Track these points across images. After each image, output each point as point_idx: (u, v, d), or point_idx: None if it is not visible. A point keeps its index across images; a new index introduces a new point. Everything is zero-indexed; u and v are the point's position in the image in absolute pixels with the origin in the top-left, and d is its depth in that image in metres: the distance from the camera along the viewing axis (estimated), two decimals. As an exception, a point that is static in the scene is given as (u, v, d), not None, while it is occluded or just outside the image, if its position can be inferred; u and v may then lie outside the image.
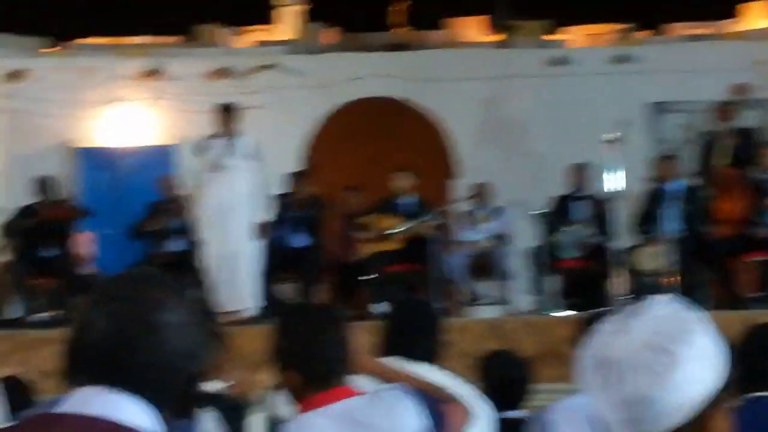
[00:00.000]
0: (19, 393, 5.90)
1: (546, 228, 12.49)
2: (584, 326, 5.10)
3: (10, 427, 2.01)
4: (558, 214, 12.53)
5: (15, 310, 12.52)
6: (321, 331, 3.54)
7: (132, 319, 1.95)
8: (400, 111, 15.33)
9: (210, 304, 11.71)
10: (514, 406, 5.78)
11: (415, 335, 4.40)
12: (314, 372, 3.50)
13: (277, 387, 4.77)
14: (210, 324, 4.31)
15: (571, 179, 12.72)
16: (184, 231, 12.35)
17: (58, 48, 15.88)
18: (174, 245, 12.56)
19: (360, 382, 3.58)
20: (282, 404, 4.65)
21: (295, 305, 4.59)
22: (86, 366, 1.96)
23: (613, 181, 11.85)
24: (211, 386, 4.80)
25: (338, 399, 3.47)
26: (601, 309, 10.07)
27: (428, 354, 4.35)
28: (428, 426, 3.46)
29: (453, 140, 15.13)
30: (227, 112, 11.84)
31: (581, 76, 15.10)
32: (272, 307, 12.03)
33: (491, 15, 16.07)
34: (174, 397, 2.01)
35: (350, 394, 3.51)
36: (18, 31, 15.60)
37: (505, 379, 5.91)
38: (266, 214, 11.85)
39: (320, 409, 3.45)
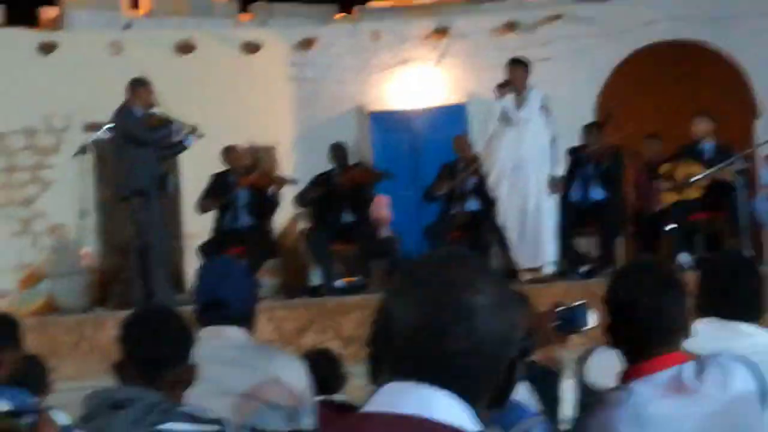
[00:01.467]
0: (327, 367, 5.95)
1: None
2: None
3: (324, 427, 1.95)
4: None
5: (315, 277, 12.78)
6: (659, 293, 3.34)
7: (442, 304, 1.82)
8: (696, 54, 14.84)
9: (511, 263, 11.69)
10: None
11: (738, 293, 4.11)
12: (646, 338, 3.30)
13: (587, 351, 4.61)
14: (521, 303, 4.18)
15: None
16: (480, 190, 12.29)
17: (346, 14, 16.06)
18: (470, 205, 12.52)
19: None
20: (594, 369, 4.50)
21: (630, 264, 4.38)
22: (395, 358, 1.85)
23: None
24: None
25: (668, 366, 3.26)
26: None
27: (753, 313, 4.08)
28: (761, 391, 3.24)
29: (754, 80, 14.52)
30: (517, 66, 11.70)
31: None
32: (572, 263, 11.88)
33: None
34: (491, 388, 1.88)
35: (681, 359, 3.29)
36: (306, 0, 15.89)
37: None
38: (561, 168, 11.66)
39: (648, 377, 3.26)
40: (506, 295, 1.89)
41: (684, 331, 3.35)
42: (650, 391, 3.23)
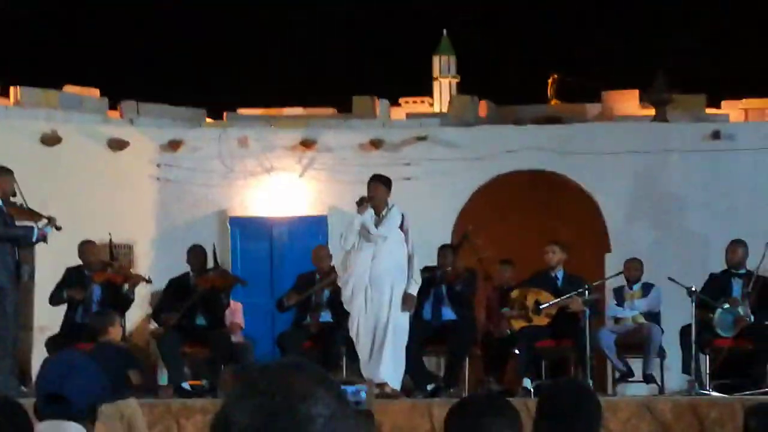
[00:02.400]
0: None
1: (701, 306, 12.20)
2: (752, 415, 4.95)
3: None
4: (714, 292, 12.25)
5: (163, 377, 12.70)
6: (484, 412, 3.46)
7: (279, 412, 1.85)
8: (554, 184, 15.22)
9: (359, 376, 11.74)
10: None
11: (575, 420, 4.22)
12: None
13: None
14: (359, 415, 4.28)
15: (730, 256, 12.44)
16: (334, 302, 12.38)
17: (215, 119, 16.17)
18: (324, 316, 12.60)
19: None
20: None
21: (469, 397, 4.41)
22: None
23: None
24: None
25: None
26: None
27: None
28: None
29: (606, 214, 14.94)
30: (378, 183, 11.87)
31: (740, 152, 14.81)
32: (419, 381, 11.98)
33: (647, 88, 15.88)
34: None
35: None
36: (175, 101, 15.93)
37: None
38: (414, 286, 11.80)
39: None
40: (345, 407, 1.92)
41: None
42: None
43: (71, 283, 12.52)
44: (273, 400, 1.87)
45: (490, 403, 3.68)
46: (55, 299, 12.53)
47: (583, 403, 4.28)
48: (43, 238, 11.64)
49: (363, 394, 11.30)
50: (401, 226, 11.68)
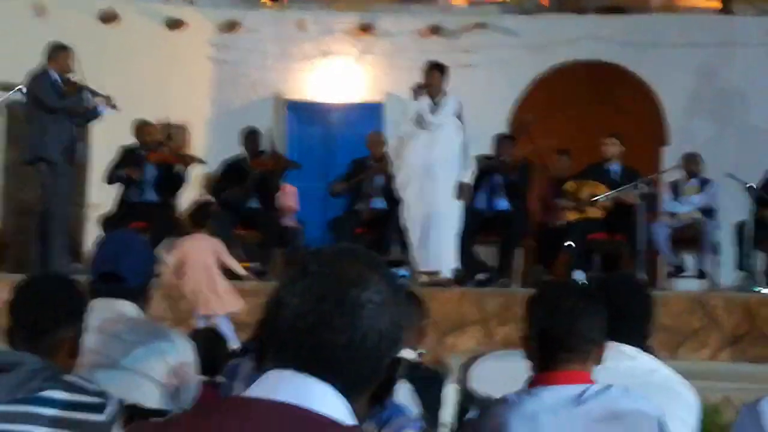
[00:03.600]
0: (214, 348, 5.97)
1: (758, 202, 12.08)
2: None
3: (199, 409, 1.96)
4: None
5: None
6: (580, 312, 3.43)
7: (327, 296, 1.84)
8: (613, 75, 15.02)
9: (409, 264, 11.76)
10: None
11: (626, 315, 4.15)
12: (559, 351, 3.39)
13: (471, 359, 4.69)
14: (410, 304, 4.25)
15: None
16: (387, 189, 12.36)
17: (273, 0, 16.04)
18: (376, 203, 12.60)
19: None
20: (478, 376, 4.57)
21: (557, 282, 4.40)
22: (279, 346, 1.86)
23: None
24: (404, 354, 4.70)
25: (574, 382, 3.35)
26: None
27: (639, 336, 4.15)
28: (658, 417, 3.35)
29: (665, 108, 14.76)
30: (435, 70, 11.76)
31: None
32: (469, 270, 11.98)
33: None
34: (371, 384, 1.90)
35: (587, 379, 3.38)
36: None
37: None
38: (469, 175, 11.75)
39: (553, 387, 3.35)
40: (396, 294, 1.90)
41: (596, 353, 3.44)
42: (551, 401, 3.31)
43: (127, 163, 12.56)
44: (324, 283, 1.86)
45: (582, 291, 3.64)
46: (111, 178, 12.58)
47: (635, 297, 4.23)
48: (99, 115, 11.66)
49: (405, 277, 11.35)
50: (457, 115, 11.60)
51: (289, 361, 1.85)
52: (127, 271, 4.10)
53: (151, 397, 3.90)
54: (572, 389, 3.34)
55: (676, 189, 12.66)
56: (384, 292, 1.87)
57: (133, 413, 3.62)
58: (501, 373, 4.28)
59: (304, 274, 1.87)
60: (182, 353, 4.04)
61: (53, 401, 3.15)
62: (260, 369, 1.93)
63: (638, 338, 4.12)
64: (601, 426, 3.30)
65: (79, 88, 11.47)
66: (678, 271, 12.46)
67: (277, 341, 1.87)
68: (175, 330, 4.56)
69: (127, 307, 4.11)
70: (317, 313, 1.83)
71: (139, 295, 4.18)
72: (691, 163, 12.65)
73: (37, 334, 3.35)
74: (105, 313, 3.98)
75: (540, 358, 3.44)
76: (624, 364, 3.83)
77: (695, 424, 3.89)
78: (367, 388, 1.90)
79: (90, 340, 3.60)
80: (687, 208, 12.50)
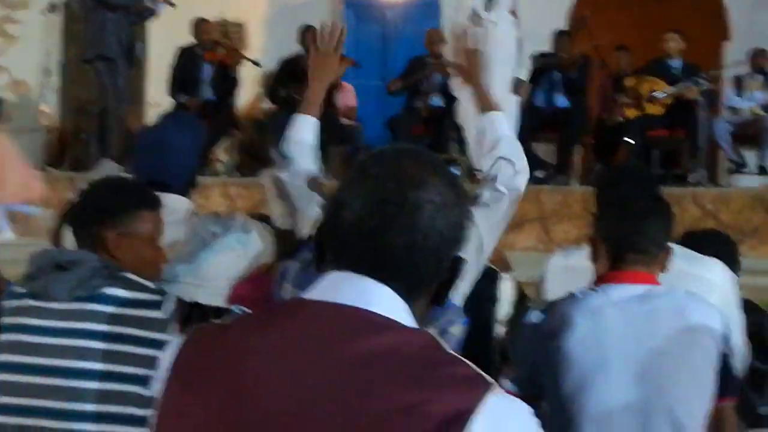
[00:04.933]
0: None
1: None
2: None
3: (260, 312, 1.97)
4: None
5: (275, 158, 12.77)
6: (649, 214, 3.44)
7: (387, 197, 1.83)
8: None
9: (469, 162, 11.71)
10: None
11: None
12: (625, 251, 3.42)
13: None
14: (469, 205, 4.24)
15: None
16: (445, 87, 12.29)
17: None
18: (434, 101, 12.54)
19: None
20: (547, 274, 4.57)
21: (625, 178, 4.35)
22: (339, 248, 1.87)
23: None
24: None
25: (640, 282, 3.39)
26: None
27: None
28: (724, 335, 3.36)
29: (727, 1, 14.49)
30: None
31: None
32: (529, 167, 11.91)
33: None
34: (431, 285, 1.90)
35: (652, 281, 3.42)
36: None
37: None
38: (524, 72, 11.63)
39: (619, 285, 3.39)
40: (456, 194, 1.89)
41: (663, 256, 3.46)
42: (617, 297, 3.36)
43: (183, 64, 12.56)
44: (384, 185, 1.85)
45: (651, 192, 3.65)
46: (171, 93, 12.63)
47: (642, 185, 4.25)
48: (156, 12, 11.64)
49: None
50: (511, 10, 11.47)
51: (349, 264, 1.85)
52: (170, 175, 4.10)
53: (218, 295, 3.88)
54: (638, 288, 3.37)
55: (739, 84, 12.49)
56: (444, 193, 1.87)
57: (192, 311, 3.64)
58: (567, 272, 4.30)
59: (364, 176, 1.88)
60: (258, 243, 4.03)
61: (113, 298, 3.18)
62: (319, 270, 1.92)
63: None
64: (666, 327, 3.30)
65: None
66: (739, 167, 12.34)
67: (337, 244, 1.88)
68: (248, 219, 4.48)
69: (177, 201, 4.13)
70: (377, 216, 1.83)
71: (186, 189, 4.20)
72: (758, 59, 12.45)
73: (94, 227, 3.35)
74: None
75: (608, 258, 3.45)
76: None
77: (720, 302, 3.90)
78: (427, 289, 1.90)
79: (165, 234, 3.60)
80: (749, 103, 12.34)
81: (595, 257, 3.54)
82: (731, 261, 4.35)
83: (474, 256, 3.59)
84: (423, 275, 1.87)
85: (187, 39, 12.69)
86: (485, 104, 3.92)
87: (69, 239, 3.43)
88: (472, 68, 4.05)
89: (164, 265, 3.53)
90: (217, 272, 3.77)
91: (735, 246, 4.56)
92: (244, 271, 3.88)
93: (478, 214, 3.51)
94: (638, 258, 3.42)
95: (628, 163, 10.15)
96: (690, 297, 3.39)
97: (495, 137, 3.85)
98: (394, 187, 1.84)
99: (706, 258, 4.14)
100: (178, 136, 4.35)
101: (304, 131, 3.97)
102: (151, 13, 11.67)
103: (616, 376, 3.28)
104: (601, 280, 3.46)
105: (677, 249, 3.68)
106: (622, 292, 3.37)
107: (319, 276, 1.89)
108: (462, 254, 1.91)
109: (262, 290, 3.65)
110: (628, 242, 3.43)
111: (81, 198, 3.43)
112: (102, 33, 11.26)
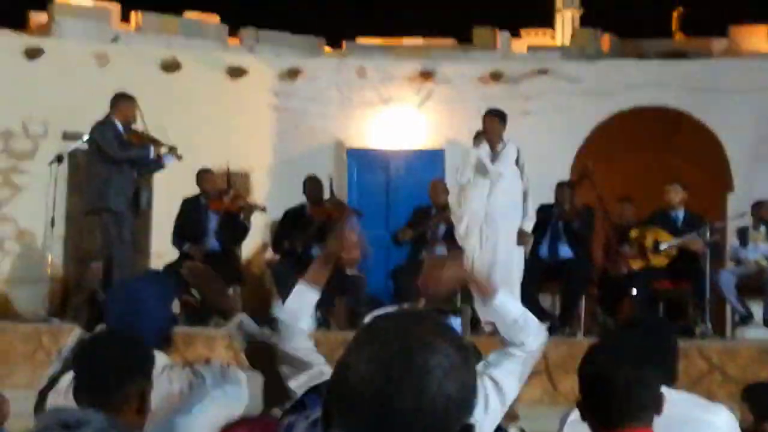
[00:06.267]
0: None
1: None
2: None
3: None
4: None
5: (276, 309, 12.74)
6: (635, 382, 3.39)
7: (395, 361, 1.82)
8: (676, 121, 14.92)
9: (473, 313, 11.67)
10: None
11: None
12: (619, 412, 3.37)
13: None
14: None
15: None
16: (449, 237, 12.30)
17: (334, 48, 16.11)
18: (439, 251, 12.54)
19: None
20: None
21: (608, 336, 4.34)
22: (346, 411, 1.85)
23: None
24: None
25: None
26: None
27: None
28: None
29: (729, 154, 14.61)
30: (493, 117, 11.70)
31: None
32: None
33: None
34: None
35: None
36: (295, 30, 15.92)
37: None
38: (530, 223, 11.66)
39: None
40: (464, 357, 1.88)
41: (656, 408, 3.39)
42: None
43: (188, 214, 12.62)
44: (391, 349, 1.84)
45: (636, 357, 3.59)
46: (176, 244, 12.68)
47: (660, 339, 4.19)
48: (164, 165, 11.69)
49: (457, 325, 11.24)
50: (517, 162, 11.53)
51: (357, 426, 1.83)
52: (142, 328, 4.04)
53: None
54: None
55: (743, 236, 12.51)
56: (452, 356, 1.86)
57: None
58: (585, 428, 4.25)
59: (371, 339, 1.87)
60: (243, 395, 3.98)
61: None
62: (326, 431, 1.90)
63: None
64: None
65: (144, 138, 11.50)
66: (745, 319, 12.28)
67: (344, 406, 1.86)
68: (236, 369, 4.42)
69: (158, 358, 4.08)
70: (384, 379, 1.82)
71: (160, 345, 4.13)
72: (760, 210, 12.49)
73: (102, 391, 3.32)
74: None
75: (597, 425, 3.40)
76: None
77: None
78: None
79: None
80: (755, 254, 12.34)
81: (585, 419, 3.48)
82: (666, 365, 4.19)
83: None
84: None
85: (192, 189, 12.77)
86: (485, 293, 3.89)
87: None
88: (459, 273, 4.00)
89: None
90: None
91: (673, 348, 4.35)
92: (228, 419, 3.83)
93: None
94: (632, 423, 3.36)
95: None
96: None
97: (511, 320, 3.85)
98: (400, 351, 1.83)
99: (712, 404, 4.08)
100: (149, 289, 4.27)
101: (302, 303, 4.03)
102: (159, 166, 11.72)
103: None
104: None
105: (682, 395, 3.62)
106: None
107: None
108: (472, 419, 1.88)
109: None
110: (615, 412, 3.37)
111: (86, 359, 3.40)
112: (107, 186, 11.29)
